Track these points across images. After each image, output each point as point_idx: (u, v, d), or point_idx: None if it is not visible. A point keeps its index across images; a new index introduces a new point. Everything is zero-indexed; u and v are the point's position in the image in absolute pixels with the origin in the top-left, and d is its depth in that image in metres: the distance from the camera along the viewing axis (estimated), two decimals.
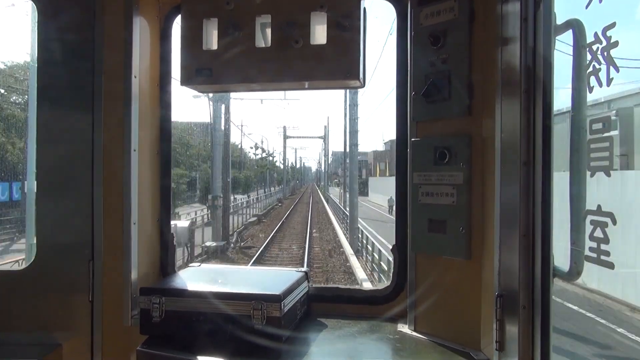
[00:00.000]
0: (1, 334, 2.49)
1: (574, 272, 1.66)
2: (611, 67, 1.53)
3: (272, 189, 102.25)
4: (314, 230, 36.78)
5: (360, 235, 28.55)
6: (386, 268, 18.88)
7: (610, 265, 1.49)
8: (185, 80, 2.46)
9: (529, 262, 1.75)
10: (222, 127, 27.85)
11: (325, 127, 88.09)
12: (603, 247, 1.52)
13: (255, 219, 44.88)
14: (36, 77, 2.55)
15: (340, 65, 2.32)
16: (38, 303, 2.51)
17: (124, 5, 2.46)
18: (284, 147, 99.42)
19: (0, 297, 2.53)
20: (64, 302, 2.50)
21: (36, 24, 2.55)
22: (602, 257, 1.53)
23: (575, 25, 1.69)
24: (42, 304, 2.51)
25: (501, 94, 1.92)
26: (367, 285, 14.61)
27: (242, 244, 29.31)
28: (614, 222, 1.49)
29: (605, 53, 1.54)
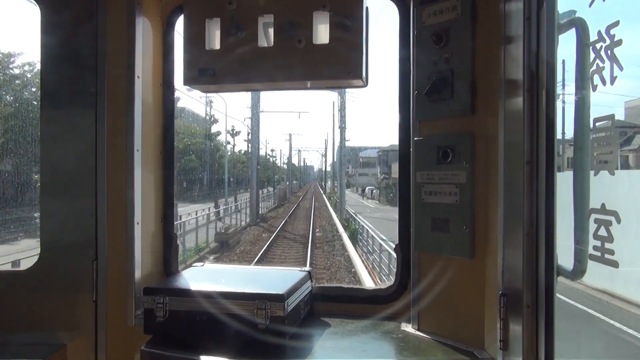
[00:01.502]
0: (5, 334, 2.49)
1: (578, 271, 1.67)
2: (615, 66, 1.53)
3: (242, 198, 52.11)
4: None
5: None
6: None
7: (615, 264, 1.49)
8: (188, 80, 2.46)
9: (532, 261, 1.75)
10: None
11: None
12: (607, 245, 1.52)
13: None
14: (40, 78, 2.56)
15: (343, 65, 2.32)
16: (42, 303, 2.52)
17: (126, 6, 2.47)
18: (253, 111, 45.99)
19: (5, 297, 2.54)
20: (68, 302, 2.51)
21: (40, 25, 2.55)
22: (607, 256, 1.53)
23: (578, 24, 1.69)
24: (46, 304, 2.52)
25: (504, 92, 1.92)
26: None
27: None
28: (618, 220, 1.49)
29: (609, 51, 1.54)
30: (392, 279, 2.53)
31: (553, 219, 1.72)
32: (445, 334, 2.26)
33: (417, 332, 2.35)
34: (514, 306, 1.82)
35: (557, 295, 1.71)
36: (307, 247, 25.67)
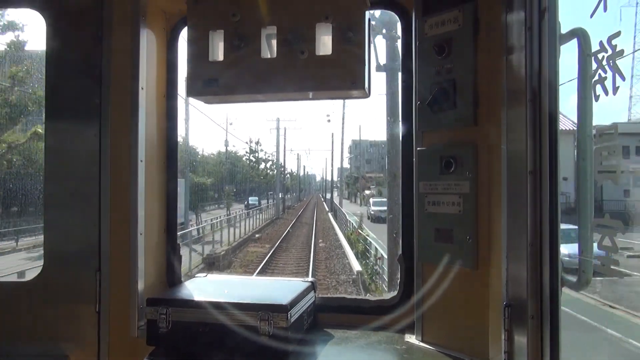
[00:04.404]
0: (8, 345, 2.49)
1: (583, 281, 1.65)
2: (617, 76, 1.53)
3: None
4: None
5: None
6: None
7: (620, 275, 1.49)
8: (192, 92, 2.47)
9: (537, 271, 1.74)
10: None
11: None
12: (612, 256, 1.51)
13: None
14: (45, 88, 2.58)
15: (345, 76, 2.32)
16: (45, 314, 2.52)
17: (131, 17, 2.49)
18: None
19: (8, 307, 2.54)
20: (70, 312, 2.51)
21: (45, 36, 2.58)
22: (611, 267, 1.52)
23: (580, 34, 1.69)
24: (49, 315, 2.51)
25: (507, 103, 1.93)
26: None
27: None
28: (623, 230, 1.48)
29: (611, 62, 1.54)
30: None
31: (557, 228, 1.71)
32: (449, 345, 2.25)
33: (421, 343, 2.33)
34: (519, 317, 1.81)
35: None
36: None
